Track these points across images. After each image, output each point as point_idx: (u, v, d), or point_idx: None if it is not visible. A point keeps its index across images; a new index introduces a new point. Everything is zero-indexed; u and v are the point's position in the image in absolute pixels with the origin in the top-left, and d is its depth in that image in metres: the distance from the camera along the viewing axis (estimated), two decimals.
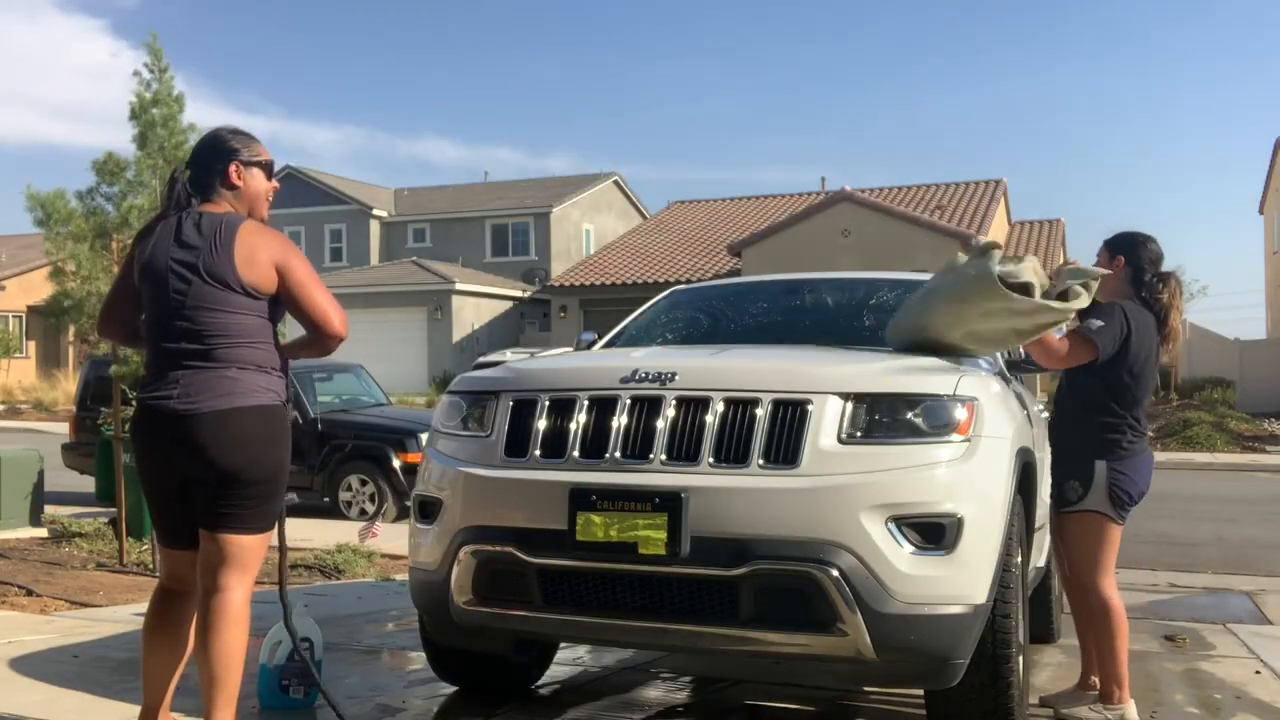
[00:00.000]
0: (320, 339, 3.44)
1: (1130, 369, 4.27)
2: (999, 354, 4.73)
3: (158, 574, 3.89)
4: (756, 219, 33.44)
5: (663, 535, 3.37)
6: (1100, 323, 4.24)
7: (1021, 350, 4.87)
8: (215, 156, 3.42)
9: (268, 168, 3.50)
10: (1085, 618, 4.52)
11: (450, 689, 4.47)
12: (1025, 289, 3.92)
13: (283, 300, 3.37)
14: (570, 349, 5.44)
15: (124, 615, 5.83)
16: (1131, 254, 4.43)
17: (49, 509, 9.60)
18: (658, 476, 3.47)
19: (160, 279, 3.29)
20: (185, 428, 3.21)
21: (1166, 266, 4.47)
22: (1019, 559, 3.71)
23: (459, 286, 33.03)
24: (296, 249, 3.43)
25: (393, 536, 9.29)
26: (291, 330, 3.62)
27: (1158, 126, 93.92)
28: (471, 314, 33.58)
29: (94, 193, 7.22)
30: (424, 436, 7.86)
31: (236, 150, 3.42)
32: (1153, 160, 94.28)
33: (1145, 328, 4.32)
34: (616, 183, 43.95)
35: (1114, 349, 4.23)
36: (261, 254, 3.29)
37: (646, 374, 3.65)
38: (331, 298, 3.42)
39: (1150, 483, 4.39)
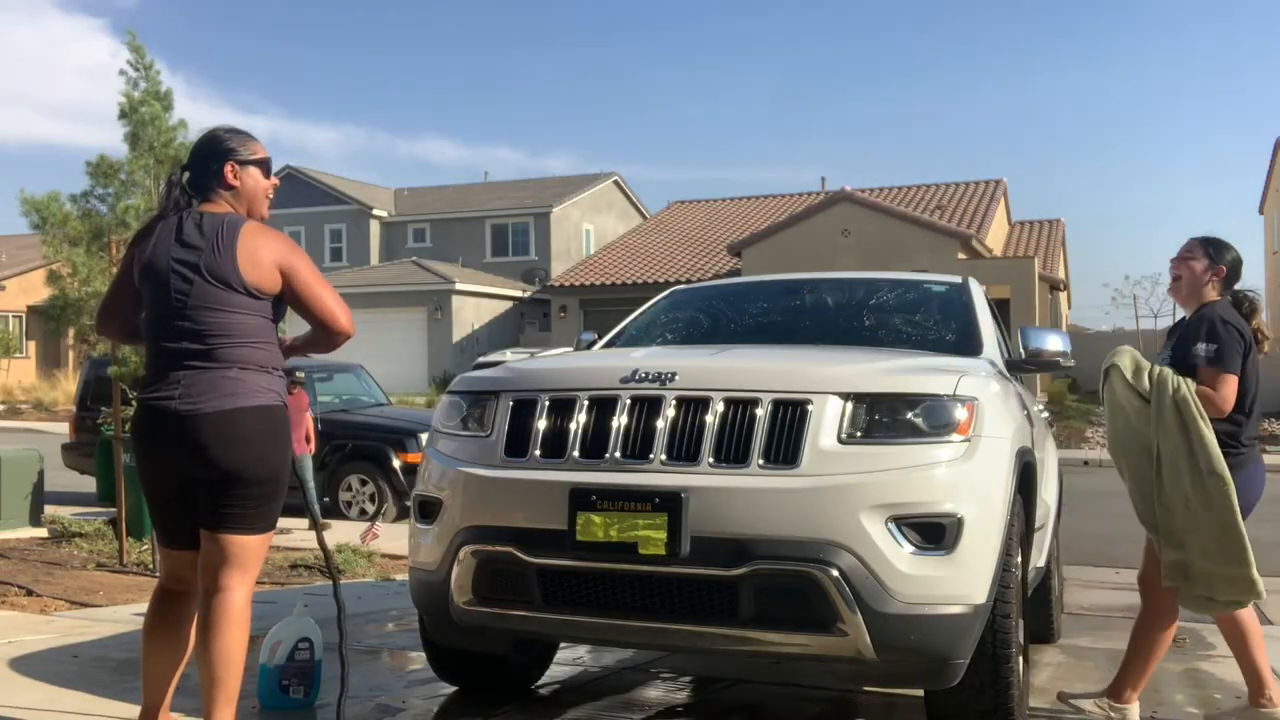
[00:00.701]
0: (328, 337, 3.44)
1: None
2: (998, 354, 4.72)
3: (158, 574, 3.89)
4: (756, 219, 33.45)
5: (663, 535, 3.37)
6: (1212, 345, 4.12)
7: (1021, 350, 4.88)
8: (211, 157, 3.41)
9: (265, 165, 3.49)
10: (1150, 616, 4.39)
11: (450, 689, 4.47)
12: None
13: (288, 301, 3.38)
14: (570, 349, 5.44)
15: (124, 615, 5.83)
16: (1232, 265, 4.35)
17: (49, 509, 9.60)
18: (658, 476, 3.47)
19: (162, 279, 3.29)
20: (187, 428, 3.21)
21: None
22: (1019, 559, 3.71)
23: (459, 286, 33.04)
24: (299, 249, 3.43)
25: (393, 536, 9.29)
26: (293, 329, 3.62)
27: (1158, 126, 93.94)
28: (471, 314, 33.58)
29: (89, 195, 7.21)
30: (424, 436, 7.86)
31: (232, 150, 3.41)
32: (1153, 160, 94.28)
33: (1245, 329, 4.23)
34: (616, 183, 43.94)
35: (1242, 360, 4.14)
36: (264, 255, 3.29)
37: (646, 374, 3.64)
38: (337, 296, 3.42)
39: (1261, 492, 4.26)
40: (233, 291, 3.26)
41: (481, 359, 17.62)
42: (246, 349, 3.29)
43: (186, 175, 3.44)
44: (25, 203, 7.17)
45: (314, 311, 3.38)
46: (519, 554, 3.56)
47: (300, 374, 10.30)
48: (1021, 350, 4.88)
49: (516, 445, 3.73)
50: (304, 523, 10.28)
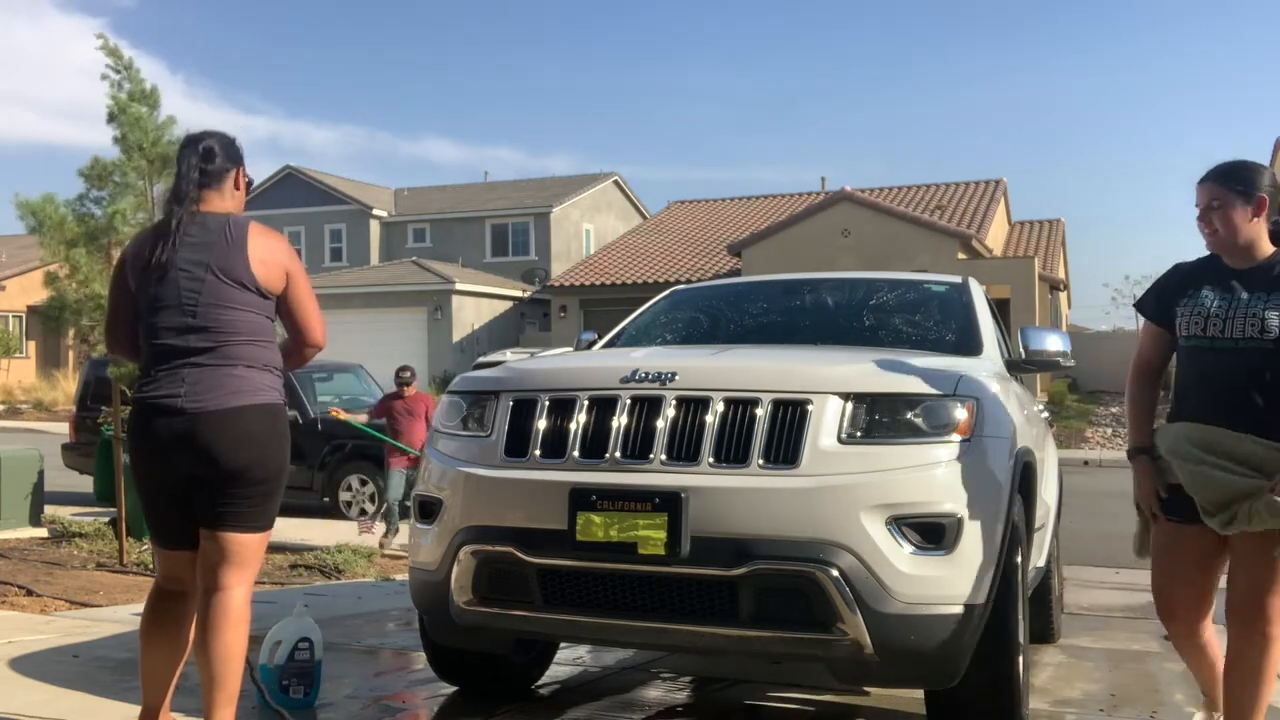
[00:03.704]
0: (299, 348, 3.51)
1: None
2: (998, 354, 4.72)
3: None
4: (756, 219, 33.43)
5: (663, 535, 3.37)
6: None
7: (1022, 350, 4.88)
8: (231, 155, 3.48)
9: (249, 183, 3.61)
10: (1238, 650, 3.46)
11: (450, 689, 4.47)
12: None
13: (280, 303, 3.40)
14: (570, 349, 5.43)
15: (124, 615, 5.83)
16: (1272, 191, 3.46)
17: (49, 509, 9.60)
18: (658, 476, 3.47)
19: (169, 279, 3.29)
20: (192, 425, 3.21)
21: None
22: (1019, 559, 3.71)
23: (459, 286, 33.02)
24: (298, 257, 3.49)
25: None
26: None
27: (1158, 126, 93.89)
28: (471, 314, 33.57)
29: (83, 199, 7.18)
30: None
31: (240, 157, 3.52)
32: (1153, 160, 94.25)
33: None
34: (616, 183, 43.91)
35: None
36: (272, 255, 3.35)
37: (646, 374, 3.65)
38: (319, 310, 3.51)
39: None
40: (245, 290, 3.29)
41: (481, 359, 17.63)
42: (251, 347, 3.31)
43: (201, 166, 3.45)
44: (21, 206, 7.15)
45: (298, 318, 3.44)
46: (519, 554, 3.56)
47: (408, 373, 9.55)
48: (1021, 350, 4.88)
49: (516, 445, 3.73)
50: (305, 523, 10.27)
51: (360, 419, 9.76)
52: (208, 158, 3.44)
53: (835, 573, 3.28)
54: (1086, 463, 18.71)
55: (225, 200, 3.43)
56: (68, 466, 12.97)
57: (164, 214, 3.45)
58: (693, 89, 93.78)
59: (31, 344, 36.23)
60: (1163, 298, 3.59)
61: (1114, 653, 5.75)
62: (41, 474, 9.34)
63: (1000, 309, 6.30)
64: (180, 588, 3.41)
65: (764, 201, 36.41)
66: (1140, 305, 3.69)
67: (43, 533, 8.89)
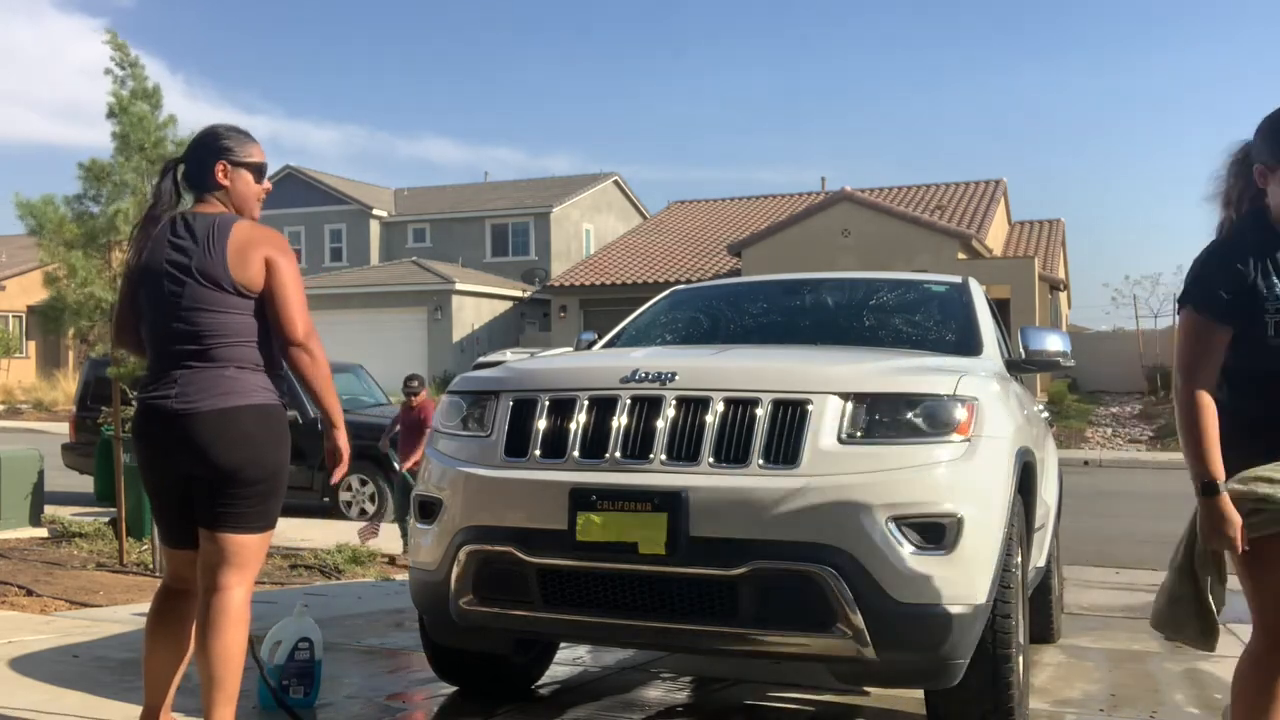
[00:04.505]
0: (284, 349, 3.34)
1: None
2: (998, 354, 4.72)
3: (159, 574, 3.89)
4: (756, 219, 33.44)
5: (663, 535, 3.37)
6: None
7: (1022, 350, 4.89)
8: (207, 153, 3.42)
9: (258, 170, 3.47)
10: None
11: (450, 689, 4.47)
12: None
13: (264, 294, 3.31)
14: (570, 349, 5.44)
15: (124, 615, 5.83)
16: None
17: (49, 509, 9.60)
18: (658, 476, 3.47)
19: (156, 281, 3.30)
20: (185, 427, 3.22)
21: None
22: (1019, 559, 3.71)
23: (459, 286, 33.04)
24: (289, 251, 3.39)
25: (393, 537, 9.30)
26: None
27: (1159, 126, 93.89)
28: (471, 314, 33.58)
29: (82, 198, 7.16)
30: None
31: (227, 149, 3.41)
32: (1154, 159, 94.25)
33: None
34: (616, 183, 43.92)
35: None
36: (253, 251, 3.29)
37: (646, 374, 3.65)
38: (305, 308, 3.36)
39: None
40: (224, 292, 3.26)
41: (481, 359, 17.61)
42: (242, 348, 3.30)
43: (182, 168, 3.44)
44: (20, 206, 7.13)
45: (278, 311, 3.30)
46: (519, 554, 3.56)
47: (415, 382, 9.19)
48: (1021, 350, 4.88)
49: (516, 445, 3.73)
50: (305, 523, 10.28)
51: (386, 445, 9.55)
52: (185, 162, 3.43)
53: (835, 572, 3.28)
54: (1086, 463, 18.71)
55: (214, 200, 3.40)
56: (68, 466, 12.97)
57: (143, 221, 3.43)
58: (693, 88, 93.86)
59: (31, 344, 36.22)
60: (1236, 288, 2.83)
61: (1114, 653, 5.75)
62: (41, 474, 9.34)
63: (1000, 309, 6.31)
64: (186, 587, 3.41)
65: (764, 201, 36.41)
66: (1205, 302, 2.88)
67: (43, 533, 8.88)
